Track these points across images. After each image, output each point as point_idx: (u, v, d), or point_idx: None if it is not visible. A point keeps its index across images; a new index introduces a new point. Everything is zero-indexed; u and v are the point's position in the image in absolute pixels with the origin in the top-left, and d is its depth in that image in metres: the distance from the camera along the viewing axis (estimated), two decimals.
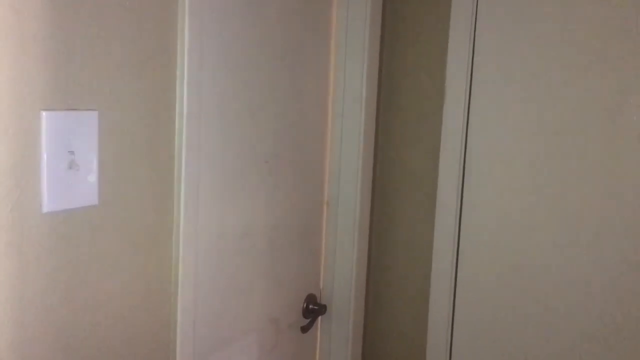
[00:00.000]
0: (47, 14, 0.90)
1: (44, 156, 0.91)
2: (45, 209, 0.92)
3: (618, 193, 1.52)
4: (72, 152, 0.95)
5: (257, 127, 1.41)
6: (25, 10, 0.87)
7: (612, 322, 1.54)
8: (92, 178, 0.99)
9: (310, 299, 1.70)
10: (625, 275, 1.52)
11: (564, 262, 1.59)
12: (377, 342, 1.87)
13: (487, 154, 1.67)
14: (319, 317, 1.75)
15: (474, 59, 1.66)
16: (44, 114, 0.91)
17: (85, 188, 0.98)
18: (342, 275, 1.74)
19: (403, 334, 1.83)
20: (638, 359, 1.52)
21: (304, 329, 1.66)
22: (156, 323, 1.16)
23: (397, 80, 1.77)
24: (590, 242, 1.55)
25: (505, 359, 1.69)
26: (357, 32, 1.66)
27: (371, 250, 1.83)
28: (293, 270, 1.62)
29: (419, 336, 1.79)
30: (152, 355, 1.16)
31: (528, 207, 1.62)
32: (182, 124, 1.15)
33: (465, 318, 1.73)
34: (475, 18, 1.65)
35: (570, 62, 1.55)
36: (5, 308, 0.89)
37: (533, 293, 1.63)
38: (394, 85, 1.78)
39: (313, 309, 1.70)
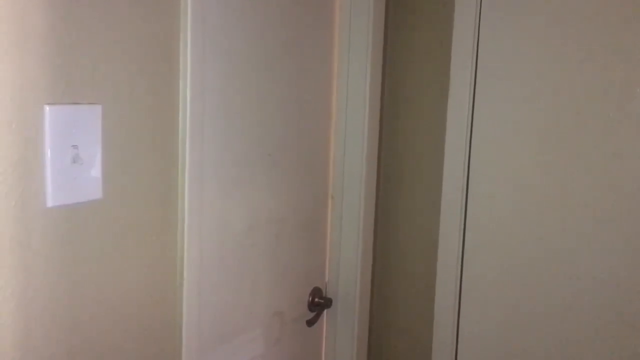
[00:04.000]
0: (49, 7, 0.89)
1: (48, 150, 0.91)
2: (49, 204, 0.92)
3: (627, 187, 1.50)
4: (75, 147, 0.95)
5: (261, 120, 1.41)
6: (28, 3, 0.86)
7: (620, 318, 1.53)
8: (96, 172, 0.99)
9: (316, 292, 1.70)
10: (634, 271, 1.51)
11: (569, 257, 1.58)
12: (382, 336, 1.87)
13: (493, 147, 1.66)
14: (325, 311, 1.75)
15: (479, 50, 1.65)
16: (47, 108, 0.90)
17: (89, 182, 0.98)
18: (347, 268, 1.73)
19: (409, 327, 1.82)
20: None
21: (310, 323, 1.66)
22: (161, 316, 1.16)
23: (401, 73, 1.76)
24: (599, 237, 1.54)
25: (511, 353, 1.68)
26: (361, 25, 1.65)
27: (376, 243, 1.83)
28: (298, 263, 1.62)
29: (424, 329, 1.79)
30: (158, 349, 1.16)
31: (534, 200, 1.62)
32: (185, 117, 1.15)
33: (472, 311, 1.73)
34: (480, 9, 1.64)
35: (576, 54, 1.53)
36: (9, 303, 0.89)
37: (539, 288, 1.62)
38: (398, 78, 1.77)
39: (319, 303, 1.69)
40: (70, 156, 0.95)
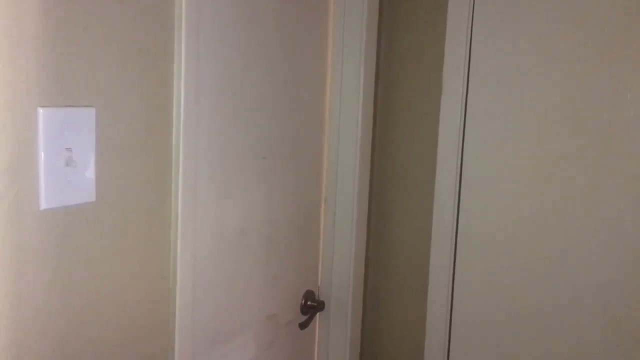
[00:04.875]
0: (44, 10, 0.89)
1: (41, 153, 0.91)
2: (42, 206, 0.92)
3: (616, 190, 1.52)
4: (69, 149, 0.95)
5: (255, 123, 1.41)
6: (22, 5, 0.86)
7: (611, 321, 1.54)
8: (90, 175, 0.99)
9: (309, 295, 1.70)
10: (623, 273, 1.52)
11: (561, 259, 1.59)
12: (375, 339, 1.87)
13: (485, 150, 1.67)
14: (317, 314, 1.75)
15: (471, 54, 1.66)
16: (40, 110, 0.90)
17: (82, 185, 0.98)
18: (340, 271, 1.74)
19: (401, 330, 1.83)
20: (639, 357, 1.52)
21: (302, 326, 1.66)
22: (154, 319, 1.16)
23: (395, 76, 1.77)
24: (593, 241, 1.55)
25: (502, 355, 1.69)
26: (354, 28, 1.66)
27: (369, 246, 1.83)
28: (291, 266, 1.62)
29: (417, 332, 1.79)
30: (150, 352, 1.16)
31: (526, 204, 1.62)
32: (179, 120, 1.15)
33: (464, 313, 1.74)
34: (473, 13, 1.65)
35: (568, 57, 1.55)
36: (3, 306, 0.88)
37: (531, 292, 1.63)
38: (391, 81, 1.78)
39: (311, 306, 1.70)
40: (64, 159, 0.95)
